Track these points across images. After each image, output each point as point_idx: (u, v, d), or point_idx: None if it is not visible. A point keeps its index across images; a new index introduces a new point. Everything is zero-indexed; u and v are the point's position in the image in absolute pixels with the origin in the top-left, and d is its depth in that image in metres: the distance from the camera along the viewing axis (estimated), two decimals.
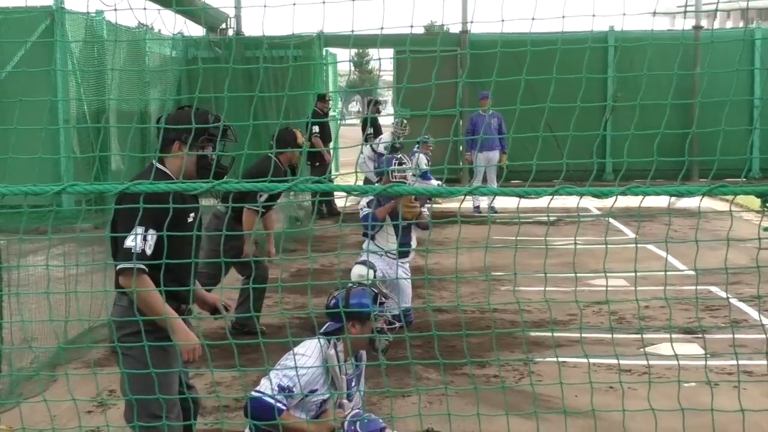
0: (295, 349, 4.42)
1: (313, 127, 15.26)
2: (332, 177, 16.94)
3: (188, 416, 4.46)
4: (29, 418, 5.07)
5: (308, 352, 4.42)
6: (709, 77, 17.71)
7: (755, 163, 20.30)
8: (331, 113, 17.84)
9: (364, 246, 8.14)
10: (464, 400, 6.02)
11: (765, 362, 6.93)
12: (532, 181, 3.33)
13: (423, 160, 14.84)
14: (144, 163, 8.05)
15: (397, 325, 4.72)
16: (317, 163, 15.40)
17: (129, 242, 4.03)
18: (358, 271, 7.57)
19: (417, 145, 15.20)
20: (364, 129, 17.70)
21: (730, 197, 2.92)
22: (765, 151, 19.64)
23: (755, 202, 11.24)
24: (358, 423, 4.30)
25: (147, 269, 4.04)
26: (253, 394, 4.32)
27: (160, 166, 4.30)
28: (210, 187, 2.86)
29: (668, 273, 9.68)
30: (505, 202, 16.51)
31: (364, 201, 8.01)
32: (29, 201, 3.18)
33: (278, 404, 4.25)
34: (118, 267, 4.08)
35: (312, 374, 4.35)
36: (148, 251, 4.04)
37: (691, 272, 9.53)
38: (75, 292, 3.83)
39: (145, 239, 4.03)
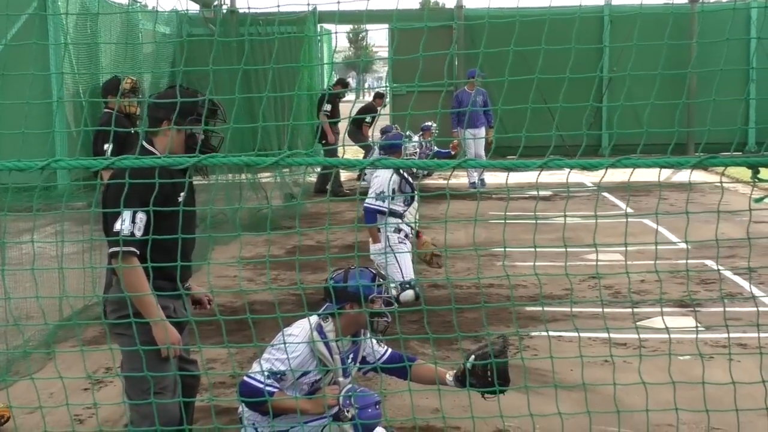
0: (287, 330, 4.42)
1: (326, 106, 15.52)
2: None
3: (189, 392, 4.49)
4: (26, 395, 5.08)
5: (301, 335, 4.42)
6: (704, 53, 17.68)
7: (751, 137, 20.31)
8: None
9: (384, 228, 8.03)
10: None
11: (762, 334, 6.97)
12: (526, 156, 3.31)
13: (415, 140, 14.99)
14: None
15: (396, 305, 4.71)
16: (323, 141, 15.69)
17: (118, 225, 3.98)
18: (408, 297, 7.81)
19: (421, 132, 15.36)
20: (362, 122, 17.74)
21: (729, 171, 2.91)
22: (761, 125, 19.64)
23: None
24: (353, 397, 4.29)
25: (138, 252, 4.00)
26: (245, 378, 4.35)
27: (148, 146, 4.25)
28: (196, 161, 2.84)
29: (662, 247, 9.70)
30: (501, 178, 16.51)
31: (375, 188, 7.93)
32: (20, 178, 3.16)
33: (268, 388, 4.26)
34: (109, 251, 4.04)
35: (303, 356, 4.35)
36: (138, 233, 3.99)
37: (684, 245, 9.56)
38: (63, 268, 3.81)
39: (133, 221, 3.98)
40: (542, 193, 14.91)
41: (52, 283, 5.57)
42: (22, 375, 5.97)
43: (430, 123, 15.45)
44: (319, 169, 15.19)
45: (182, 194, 4.18)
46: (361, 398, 4.29)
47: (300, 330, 4.45)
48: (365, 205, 7.86)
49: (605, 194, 14.54)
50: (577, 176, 15.80)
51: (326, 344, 4.42)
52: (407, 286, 7.82)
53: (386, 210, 7.75)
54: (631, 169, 2.68)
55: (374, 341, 4.79)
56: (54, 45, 13.90)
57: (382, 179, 7.91)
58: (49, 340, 6.32)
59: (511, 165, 2.72)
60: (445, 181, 16.71)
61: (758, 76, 19.96)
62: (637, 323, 7.42)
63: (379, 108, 17.05)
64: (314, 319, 4.46)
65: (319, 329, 4.42)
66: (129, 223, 3.96)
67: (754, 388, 3.76)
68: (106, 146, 7.55)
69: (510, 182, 15.69)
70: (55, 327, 6.14)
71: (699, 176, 15.26)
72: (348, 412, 4.28)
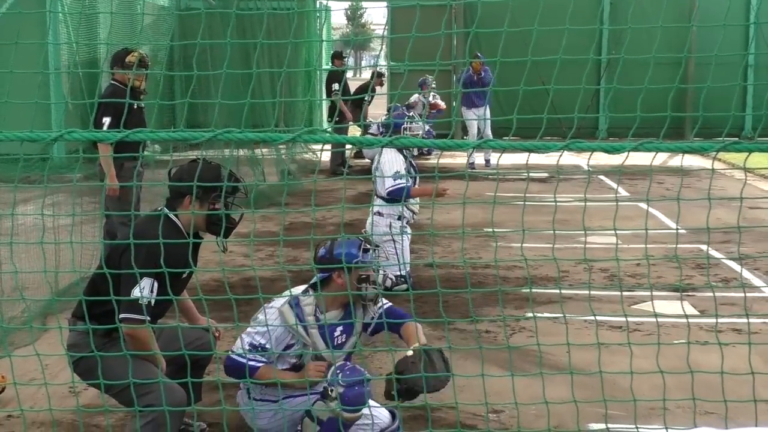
0: (268, 304, 4.41)
1: (334, 84, 15.48)
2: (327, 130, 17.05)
3: (198, 370, 4.60)
4: (22, 366, 5.06)
5: (277, 305, 4.42)
6: (704, 38, 17.66)
7: (747, 122, 20.33)
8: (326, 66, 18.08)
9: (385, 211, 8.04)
10: (456, 355, 6.02)
11: (755, 320, 6.99)
12: (523, 138, 3.30)
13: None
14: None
15: (381, 274, 4.67)
16: (338, 119, 15.72)
17: (137, 292, 4.09)
18: (401, 290, 7.75)
19: (419, 87, 15.30)
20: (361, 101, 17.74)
21: (725, 156, 2.90)
22: (759, 110, 19.66)
23: (749, 160, 11.35)
24: (340, 374, 4.22)
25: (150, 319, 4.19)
26: (229, 354, 4.38)
27: (172, 216, 4.37)
28: (212, 136, 2.81)
29: (660, 231, 9.71)
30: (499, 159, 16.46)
31: (389, 177, 7.83)
32: (13, 149, 3.14)
33: (251, 362, 4.27)
34: (122, 315, 4.11)
35: (279, 330, 4.34)
36: (152, 302, 4.15)
37: (683, 230, 9.57)
38: (69, 242, 3.80)
39: (151, 290, 4.13)
40: (539, 174, 14.91)
41: (48, 255, 5.55)
42: (18, 345, 5.97)
43: (425, 77, 15.40)
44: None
45: (184, 275, 4.39)
46: (348, 376, 4.19)
47: (280, 304, 4.43)
48: (389, 189, 7.79)
49: (602, 177, 14.54)
50: (574, 159, 15.79)
51: (300, 318, 4.39)
52: (402, 279, 7.82)
53: (409, 185, 7.72)
54: (645, 154, 2.67)
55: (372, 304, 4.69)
56: (51, 13, 13.81)
57: (391, 159, 7.85)
58: (52, 311, 6.31)
59: (531, 147, 2.70)
60: (444, 161, 16.68)
61: (756, 61, 19.96)
62: (633, 306, 7.46)
63: (377, 87, 17.02)
64: (298, 290, 4.45)
65: (296, 302, 4.39)
66: (148, 292, 4.12)
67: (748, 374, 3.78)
68: (105, 119, 7.52)
69: (506, 163, 15.67)
70: (52, 298, 6.12)
71: (697, 161, 15.28)
72: (332, 391, 4.19)
